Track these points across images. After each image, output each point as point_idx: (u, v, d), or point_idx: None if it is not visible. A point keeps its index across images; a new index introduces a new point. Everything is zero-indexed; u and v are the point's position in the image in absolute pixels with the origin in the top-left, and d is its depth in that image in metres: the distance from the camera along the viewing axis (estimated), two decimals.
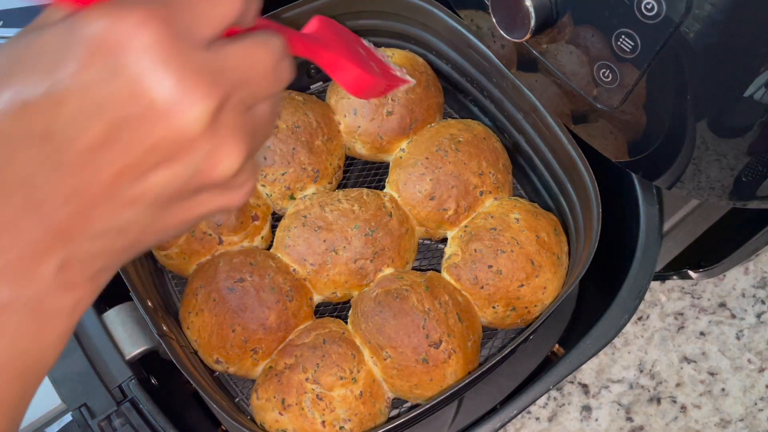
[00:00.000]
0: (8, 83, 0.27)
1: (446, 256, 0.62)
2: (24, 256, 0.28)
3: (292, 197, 0.64)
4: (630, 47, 0.42)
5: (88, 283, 0.30)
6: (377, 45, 0.71)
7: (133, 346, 0.54)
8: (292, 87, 0.71)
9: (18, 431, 0.32)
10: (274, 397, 0.53)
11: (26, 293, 0.28)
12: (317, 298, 0.61)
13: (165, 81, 0.26)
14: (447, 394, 0.50)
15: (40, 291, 0.29)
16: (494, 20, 0.49)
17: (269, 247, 0.63)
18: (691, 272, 0.67)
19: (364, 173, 0.71)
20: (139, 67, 0.26)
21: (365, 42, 0.46)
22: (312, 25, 0.41)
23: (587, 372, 0.64)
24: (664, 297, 0.68)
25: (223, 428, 0.59)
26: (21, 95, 0.26)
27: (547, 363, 0.60)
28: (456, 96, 0.72)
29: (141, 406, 0.52)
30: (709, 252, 0.67)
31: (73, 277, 0.29)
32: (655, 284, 0.68)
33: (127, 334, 0.54)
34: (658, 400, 0.64)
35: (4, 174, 0.27)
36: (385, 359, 0.55)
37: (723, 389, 0.64)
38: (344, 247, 0.59)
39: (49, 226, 0.28)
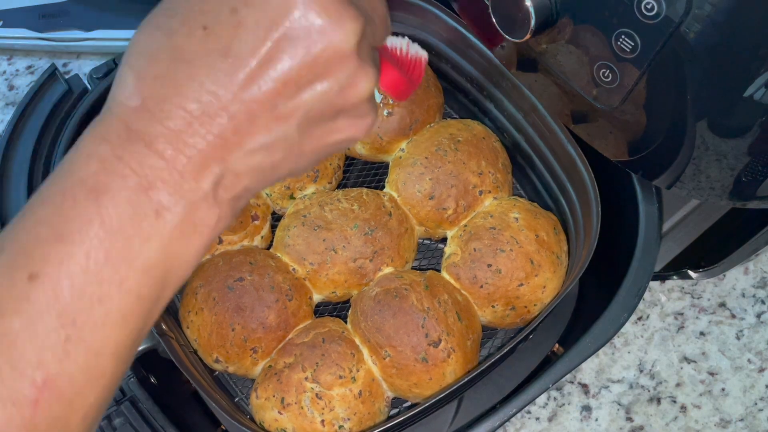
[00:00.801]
0: (191, 14, 0.31)
1: (446, 255, 0.62)
2: (188, 166, 0.31)
3: (291, 197, 0.64)
4: (630, 47, 0.42)
5: (231, 203, 0.33)
6: None
7: None
8: None
9: (143, 336, 0.33)
10: (274, 396, 0.53)
11: (184, 201, 0.31)
12: (317, 298, 0.61)
13: (325, 6, 0.30)
14: (446, 393, 0.50)
15: (195, 201, 0.31)
16: (494, 20, 0.49)
17: (269, 247, 0.63)
18: (691, 272, 0.67)
19: (364, 173, 0.71)
20: None
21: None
22: None
23: (587, 372, 0.64)
24: (664, 297, 0.68)
25: (223, 428, 0.59)
26: (202, 22, 0.30)
27: (547, 362, 0.60)
28: (456, 96, 0.72)
29: (140, 404, 0.52)
30: (709, 252, 0.67)
31: (221, 193, 0.32)
32: (655, 284, 0.68)
33: None
34: (658, 400, 0.63)
35: (185, 87, 0.30)
36: (384, 358, 0.55)
37: (723, 389, 0.64)
38: (344, 246, 0.59)
39: (215, 137, 0.31)
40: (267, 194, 0.64)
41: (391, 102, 0.66)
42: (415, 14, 0.68)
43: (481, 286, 0.58)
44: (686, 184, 0.49)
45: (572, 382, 0.64)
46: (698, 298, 0.68)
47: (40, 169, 0.59)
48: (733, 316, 0.67)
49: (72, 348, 0.30)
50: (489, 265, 0.58)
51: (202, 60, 0.30)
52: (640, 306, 0.56)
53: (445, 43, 0.68)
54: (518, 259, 0.58)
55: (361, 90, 0.33)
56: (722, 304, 0.68)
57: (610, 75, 0.46)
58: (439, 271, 0.61)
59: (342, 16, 0.31)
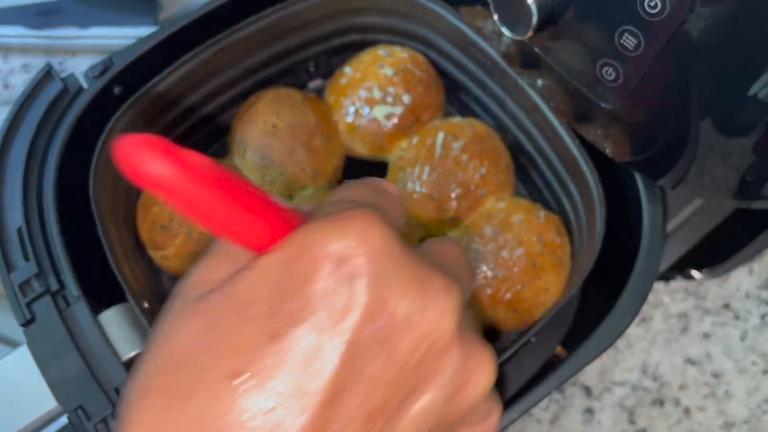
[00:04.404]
0: (212, 357, 0.22)
1: None
2: None
3: (290, 197, 0.63)
4: (633, 45, 0.42)
5: None
6: (377, 43, 0.71)
7: (129, 348, 0.53)
8: (290, 85, 0.71)
9: None
10: None
11: None
12: None
13: (405, 284, 0.23)
14: None
15: None
16: (495, 17, 0.48)
17: None
18: (694, 273, 0.66)
19: (364, 173, 0.70)
20: (372, 277, 0.22)
21: None
22: None
23: (590, 374, 0.64)
24: (667, 298, 0.67)
25: None
26: (229, 368, 0.21)
27: (549, 365, 0.60)
28: (457, 95, 0.71)
29: None
30: (713, 252, 0.66)
31: None
32: (658, 285, 0.67)
33: (123, 336, 0.54)
34: (662, 403, 0.63)
35: None
36: None
37: (727, 391, 0.63)
38: None
39: None
40: None
41: (390, 100, 0.65)
42: (416, 11, 0.67)
43: (483, 289, 0.58)
44: (690, 184, 0.48)
45: (574, 385, 0.63)
46: (702, 300, 0.67)
47: (35, 168, 0.58)
48: (738, 318, 0.66)
49: None
50: (490, 268, 0.57)
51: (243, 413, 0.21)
52: (644, 307, 0.55)
53: (447, 41, 0.67)
54: (520, 262, 0.57)
55: (479, 387, 0.24)
56: (726, 306, 0.67)
57: (613, 73, 0.45)
58: None
59: (433, 293, 0.23)
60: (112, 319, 0.54)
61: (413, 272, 0.23)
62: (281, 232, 0.24)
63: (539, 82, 0.55)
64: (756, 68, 0.38)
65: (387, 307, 0.22)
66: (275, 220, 0.24)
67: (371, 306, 0.22)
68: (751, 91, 0.39)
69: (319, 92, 0.73)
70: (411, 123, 0.66)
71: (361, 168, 0.70)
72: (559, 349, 0.61)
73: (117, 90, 0.61)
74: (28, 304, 0.52)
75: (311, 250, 0.22)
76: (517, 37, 0.48)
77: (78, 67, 0.81)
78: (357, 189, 0.27)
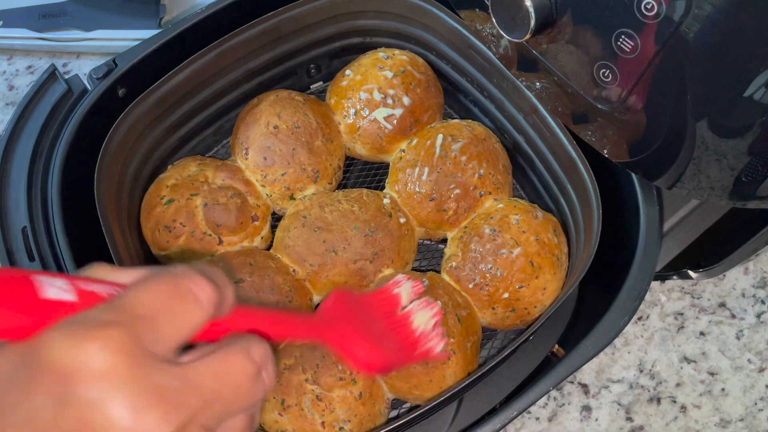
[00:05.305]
0: None
1: (446, 256, 0.62)
2: None
3: (291, 197, 0.64)
4: (630, 47, 0.42)
5: None
6: (377, 45, 0.71)
7: None
8: (292, 87, 0.71)
9: None
10: (274, 398, 0.53)
11: None
12: (317, 299, 0.61)
13: (118, 406, 0.24)
14: (446, 395, 0.50)
15: None
16: (494, 20, 0.49)
17: (269, 248, 0.63)
18: (690, 272, 0.67)
19: (364, 173, 0.70)
20: (91, 395, 0.23)
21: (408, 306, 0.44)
22: (326, 302, 0.42)
23: (587, 372, 0.64)
24: (664, 297, 0.68)
25: None
26: None
27: (547, 363, 0.60)
28: (456, 96, 0.72)
29: None
30: (709, 252, 0.67)
31: None
32: (655, 284, 0.68)
33: None
34: (658, 400, 0.63)
35: None
36: None
37: (723, 389, 0.64)
38: (344, 247, 0.59)
39: None
40: (267, 195, 0.64)
41: (390, 102, 0.65)
42: (416, 14, 0.68)
43: (481, 288, 0.58)
44: (686, 184, 0.49)
45: (572, 382, 0.64)
46: (698, 298, 0.68)
47: (40, 169, 0.59)
48: (733, 316, 0.67)
49: None
50: (489, 267, 0.58)
51: None
52: (640, 306, 0.56)
53: (446, 44, 0.68)
54: (518, 261, 0.58)
55: None
56: (722, 304, 0.67)
57: (610, 75, 0.45)
58: (439, 272, 0.61)
59: (144, 420, 0.24)
60: None
61: (136, 394, 0.24)
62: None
63: (537, 84, 0.55)
64: (751, 70, 0.39)
65: (97, 422, 0.23)
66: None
67: (84, 417, 0.23)
68: (747, 93, 0.39)
69: (321, 94, 0.73)
70: (411, 124, 0.66)
71: (362, 168, 0.71)
72: (555, 347, 0.62)
73: (121, 91, 0.62)
74: None
75: (38, 353, 0.24)
76: (516, 40, 0.48)
77: (82, 68, 0.82)
78: (149, 290, 0.27)
